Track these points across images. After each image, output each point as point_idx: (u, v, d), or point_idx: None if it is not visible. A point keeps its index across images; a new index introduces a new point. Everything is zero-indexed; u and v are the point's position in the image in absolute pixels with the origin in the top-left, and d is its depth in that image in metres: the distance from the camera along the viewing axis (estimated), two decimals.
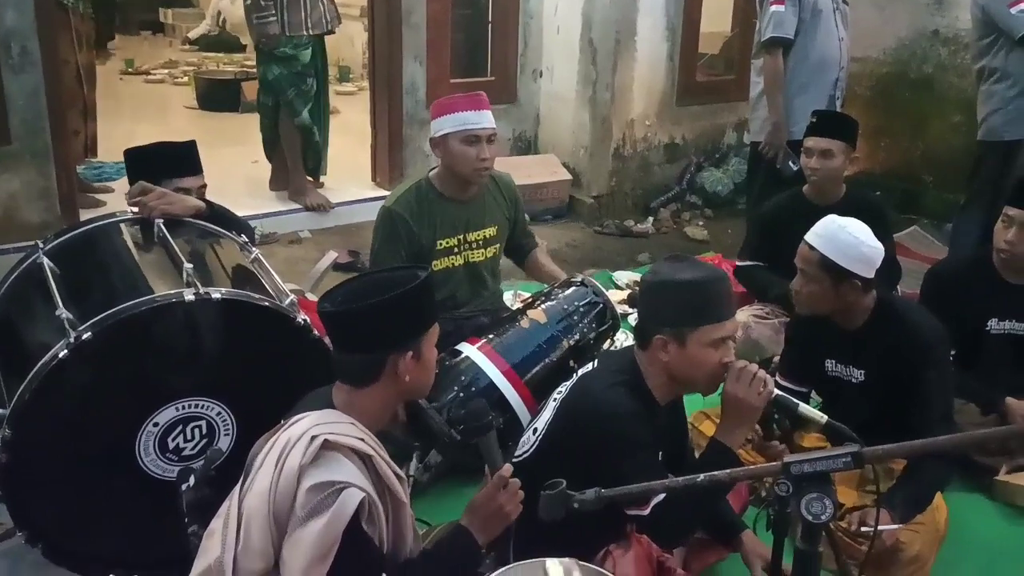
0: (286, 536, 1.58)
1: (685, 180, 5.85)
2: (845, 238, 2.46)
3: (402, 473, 1.74)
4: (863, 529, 2.33)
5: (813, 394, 2.83)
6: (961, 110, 5.24)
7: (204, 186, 2.73)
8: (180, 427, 2.18)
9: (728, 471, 1.42)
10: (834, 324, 2.61)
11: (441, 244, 3.05)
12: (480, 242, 3.14)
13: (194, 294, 2.09)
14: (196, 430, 2.21)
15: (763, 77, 4.24)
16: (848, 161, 3.47)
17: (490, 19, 5.58)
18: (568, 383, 2.18)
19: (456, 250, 3.10)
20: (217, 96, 7.45)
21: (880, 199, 4.20)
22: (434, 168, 3.12)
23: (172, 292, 2.10)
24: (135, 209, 2.51)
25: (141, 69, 9.04)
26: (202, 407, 2.19)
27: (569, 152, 5.61)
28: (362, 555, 1.64)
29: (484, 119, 2.96)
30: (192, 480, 1.96)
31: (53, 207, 4.08)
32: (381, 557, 1.69)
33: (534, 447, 2.10)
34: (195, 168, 2.72)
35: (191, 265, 2.17)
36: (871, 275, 2.48)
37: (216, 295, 2.12)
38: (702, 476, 1.27)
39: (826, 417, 1.96)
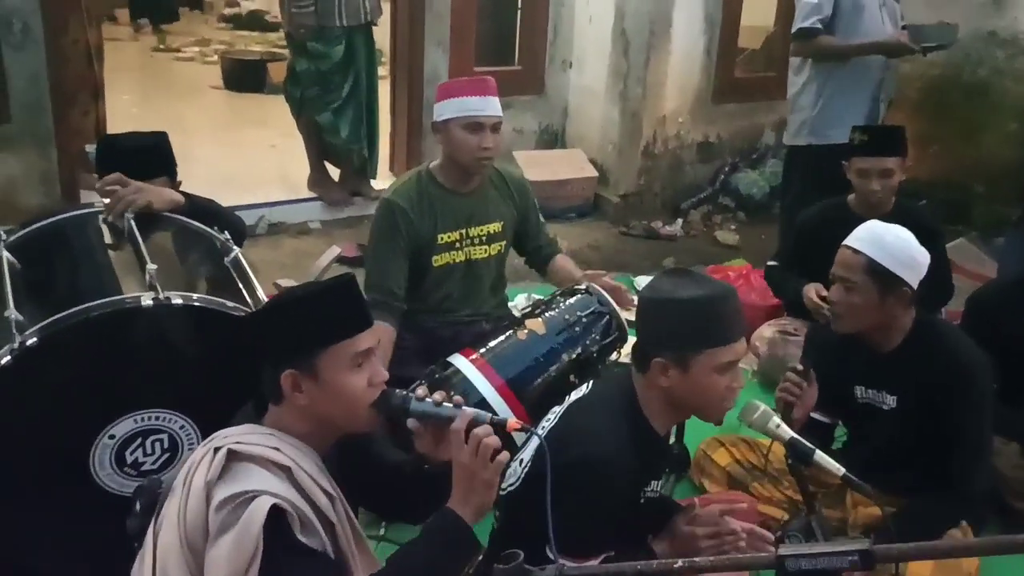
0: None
1: (718, 181, 5.61)
2: (893, 241, 2.25)
3: (332, 491, 1.54)
4: None
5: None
6: (1017, 117, 4.95)
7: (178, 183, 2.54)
8: (139, 440, 2.02)
9: (713, 559, 1.21)
10: (864, 346, 2.39)
11: (442, 239, 2.86)
12: (483, 238, 2.94)
13: (152, 299, 1.92)
14: (157, 444, 2.05)
15: (812, 60, 3.95)
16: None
17: (519, 6, 5.38)
18: (558, 409, 1.98)
19: (458, 245, 2.90)
20: (242, 76, 7.36)
21: (931, 212, 3.93)
22: (435, 160, 2.93)
23: (128, 296, 1.94)
24: (107, 200, 2.35)
25: (173, 46, 8.98)
26: (164, 420, 2.03)
27: (597, 148, 5.39)
28: (309, 564, 1.46)
29: (489, 106, 2.75)
30: (137, 506, 1.79)
31: (54, 191, 3.98)
32: (339, 567, 1.51)
33: (520, 479, 1.91)
34: (162, 168, 2.54)
35: (155, 266, 2.00)
36: (916, 286, 2.26)
37: (177, 300, 1.95)
38: (680, 562, 1.07)
39: (843, 470, 1.76)
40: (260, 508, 1.39)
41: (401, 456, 1.75)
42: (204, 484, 1.43)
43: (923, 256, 2.27)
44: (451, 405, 1.60)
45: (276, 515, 1.41)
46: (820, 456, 1.80)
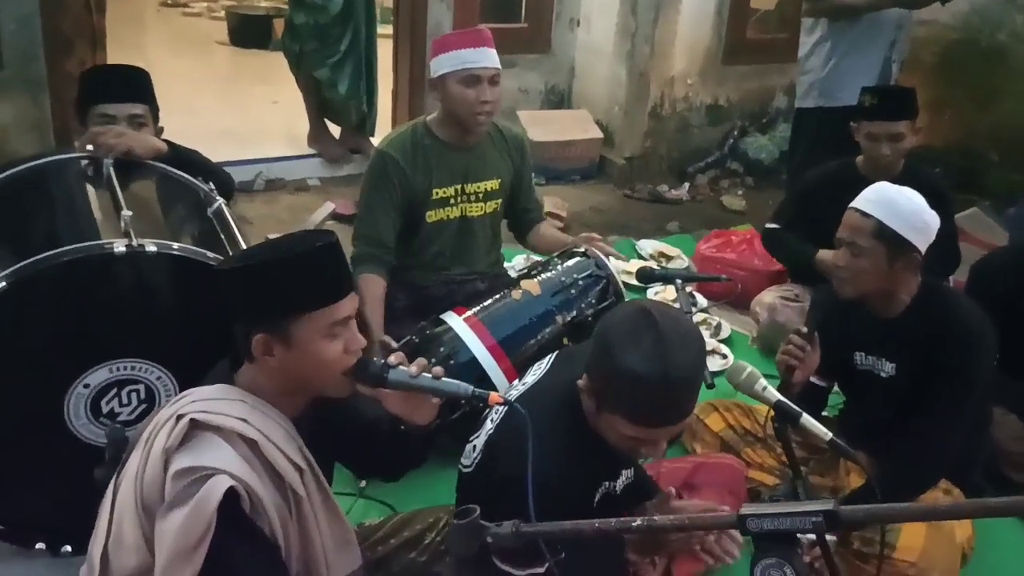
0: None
1: (727, 145, 5.49)
2: (905, 203, 2.16)
3: (301, 462, 1.50)
4: None
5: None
6: None
7: (137, 116, 2.46)
8: (115, 390, 2.00)
9: (672, 518, 1.16)
10: (866, 312, 2.31)
11: (437, 194, 2.80)
12: (480, 195, 2.88)
13: (125, 246, 1.88)
14: (133, 394, 2.03)
15: (827, 20, 3.84)
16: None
17: None
18: (514, 392, 1.87)
19: (452, 201, 2.84)
20: (247, 32, 7.26)
21: (940, 177, 3.82)
22: (432, 114, 2.85)
23: (100, 242, 1.90)
24: (90, 147, 2.30)
25: (180, 1, 8.87)
26: (140, 370, 2.01)
27: (603, 109, 5.28)
28: (257, 553, 1.42)
29: (485, 57, 2.67)
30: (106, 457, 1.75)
31: (47, 139, 3.90)
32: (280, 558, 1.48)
33: (475, 463, 1.82)
34: (141, 93, 2.49)
35: (129, 213, 1.96)
36: (924, 251, 2.18)
37: (151, 248, 1.90)
38: (638, 520, 1.02)
39: (830, 434, 1.70)
40: (216, 488, 1.36)
41: (379, 411, 1.70)
42: (163, 451, 1.39)
43: (934, 220, 2.18)
44: (430, 376, 1.54)
45: (231, 496, 1.38)
46: (807, 419, 1.74)
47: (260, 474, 1.42)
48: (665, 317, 1.58)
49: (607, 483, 1.84)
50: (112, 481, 1.48)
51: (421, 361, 1.57)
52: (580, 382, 1.66)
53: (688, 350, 1.57)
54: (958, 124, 5.35)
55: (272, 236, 3.49)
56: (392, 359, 1.55)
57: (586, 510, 1.77)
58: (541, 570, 1.54)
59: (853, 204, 2.24)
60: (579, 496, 1.73)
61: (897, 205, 2.17)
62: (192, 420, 1.40)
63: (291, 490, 1.47)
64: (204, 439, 1.40)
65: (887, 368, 2.35)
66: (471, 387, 1.52)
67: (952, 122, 5.37)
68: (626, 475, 1.89)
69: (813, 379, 2.39)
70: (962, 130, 5.33)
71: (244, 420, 1.43)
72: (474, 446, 1.85)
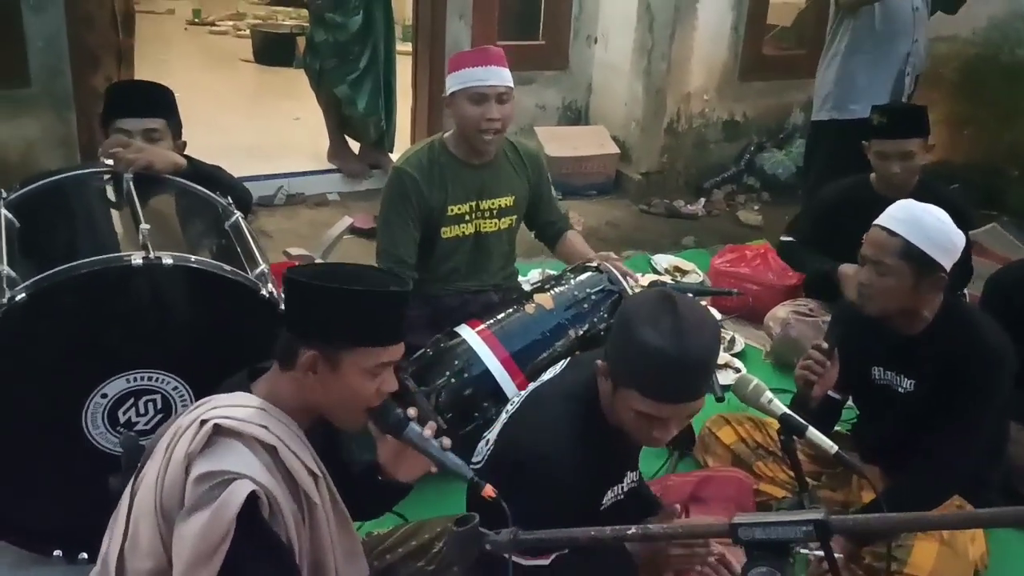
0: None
1: (743, 161, 5.49)
2: (932, 222, 2.14)
3: (316, 470, 1.53)
4: None
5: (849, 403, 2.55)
6: None
7: (152, 131, 2.51)
8: (132, 400, 2.04)
9: (666, 527, 1.18)
10: (887, 328, 2.29)
11: (452, 210, 2.83)
12: (494, 211, 2.91)
13: (143, 258, 1.92)
14: (150, 404, 2.06)
15: (849, 32, 3.83)
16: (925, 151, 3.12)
17: None
18: (524, 394, 1.91)
19: (468, 218, 2.87)
20: (272, 50, 7.37)
21: (957, 193, 3.80)
22: (449, 131, 2.90)
23: (118, 255, 1.95)
24: (110, 161, 2.35)
25: (207, 20, 9.02)
26: (156, 380, 2.04)
27: (620, 125, 5.30)
28: (273, 560, 1.44)
29: (492, 76, 2.70)
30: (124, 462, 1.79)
31: (73, 156, 3.98)
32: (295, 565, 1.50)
33: (485, 459, 1.86)
34: (165, 109, 2.55)
35: (148, 226, 2.00)
36: (949, 269, 2.17)
37: (167, 260, 1.94)
38: (633, 529, 1.04)
39: (836, 447, 1.71)
40: (238, 493, 1.38)
41: (364, 455, 1.73)
42: (185, 455, 1.41)
43: (960, 239, 2.17)
44: (437, 444, 1.58)
45: (251, 501, 1.40)
46: (812, 432, 1.75)
47: (279, 480, 1.45)
48: (684, 302, 1.66)
49: (616, 486, 1.86)
50: (128, 487, 1.51)
51: (434, 425, 1.61)
52: (598, 362, 1.71)
53: (703, 332, 1.63)
54: (978, 140, 5.33)
55: (291, 250, 3.56)
56: (412, 411, 1.60)
57: (593, 510, 1.80)
58: (545, 562, 1.58)
59: (878, 221, 2.21)
60: (589, 492, 1.77)
61: (924, 224, 2.14)
62: (215, 425, 1.43)
63: (305, 496, 1.49)
64: (226, 444, 1.43)
65: (905, 384, 2.34)
66: (472, 472, 1.55)
67: (972, 138, 5.35)
68: (631, 477, 1.91)
69: (829, 392, 2.38)
70: (982, 146, 5.31)
71: (265, 427, 1.46)
72: (486, 440, 1.89)
